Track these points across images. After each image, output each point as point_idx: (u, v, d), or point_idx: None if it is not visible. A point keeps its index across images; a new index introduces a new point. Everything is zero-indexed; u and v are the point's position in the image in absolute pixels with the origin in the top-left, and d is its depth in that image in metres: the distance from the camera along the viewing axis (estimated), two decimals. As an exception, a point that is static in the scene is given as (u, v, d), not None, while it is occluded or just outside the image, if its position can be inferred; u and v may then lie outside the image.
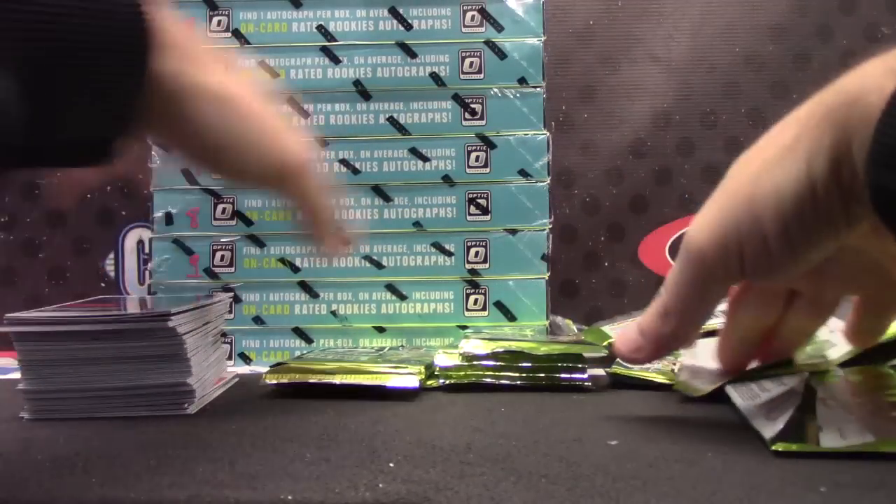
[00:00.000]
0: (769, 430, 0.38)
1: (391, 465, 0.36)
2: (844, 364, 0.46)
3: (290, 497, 0.32)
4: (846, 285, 0.41)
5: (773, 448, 0.37)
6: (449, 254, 0.67)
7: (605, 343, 0.63)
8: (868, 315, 0.42)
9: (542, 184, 0.67)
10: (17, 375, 0.47)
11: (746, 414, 0.41)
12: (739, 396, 0.44)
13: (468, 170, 0.67)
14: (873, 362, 0.47)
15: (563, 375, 0.54)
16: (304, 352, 0.66)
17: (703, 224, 0.37)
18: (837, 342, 0.47)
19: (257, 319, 0.67)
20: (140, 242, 0.79)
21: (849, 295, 0.42)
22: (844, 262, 0.38)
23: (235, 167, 0.41)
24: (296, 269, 0.67)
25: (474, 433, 0.42)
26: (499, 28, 0.67)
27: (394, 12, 0.67)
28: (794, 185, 0.33)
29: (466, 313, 0.67)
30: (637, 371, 0.54)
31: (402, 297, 0.67)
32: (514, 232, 0.67)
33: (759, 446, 0.38)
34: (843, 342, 0.45)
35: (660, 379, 0.53)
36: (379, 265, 0.67)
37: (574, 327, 0.69)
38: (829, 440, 0.37)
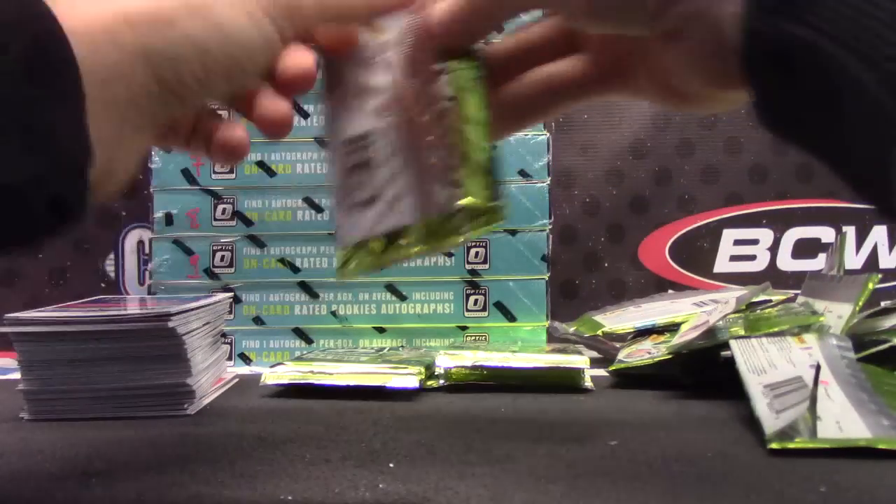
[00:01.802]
0: (770, 425, 0.38)
1: (391, 465, 0.36)
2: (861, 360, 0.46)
3: (290, 497, 0.32)
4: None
5: (770, 447, 0.37)
6: (449, 254, 0.67)
7: (598, 332, 0.64)
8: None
9: (542, 184, 0.67)
10: (17, 375, 0.47)
11: (751, 394, 0.41)
12: (745, 363, 0.44)
13: (468, 170, 0.67)
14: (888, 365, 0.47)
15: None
16: (304, 352, 0.66)
17: None
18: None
19: (257, 320, 0.67)
20: (140, 243, 0.79)
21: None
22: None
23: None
24: (296, 270, 0.67)
25: (474, 433, 0.42)
26: (499, 28, 0.67)
27: (394, 13, 0.67)
28: None
29: (466, 314, 0.67)
30: (636, 361, 0.54)
31: (402, 298, 0.67)
32: (514, 232, 0.67)
33: (758, 446, 0.38)
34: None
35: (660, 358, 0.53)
36: (379, 265, 0.67)
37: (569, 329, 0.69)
38: (827, 432, 0.37)
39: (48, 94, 0.25)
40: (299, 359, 0.57)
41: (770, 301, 0.61)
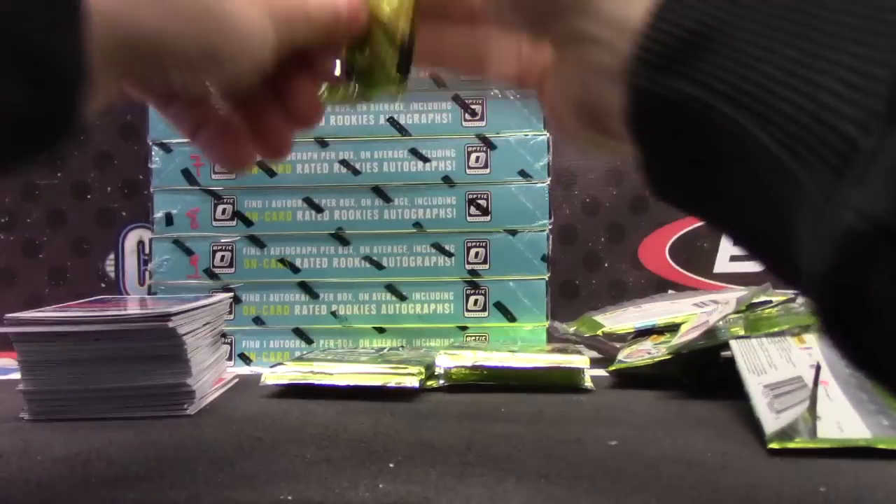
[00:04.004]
0: (770, 425, 0.38)
1: (391, 465, 0.36)
2: None
3: (290, 497, 0.32)
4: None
5: (770, 447, 0.37)
6: (449, 254, 0.67)
7: (598, 332, 0.63)
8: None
9: (542, 184, 0.67)
10: (17, 376, 0.47)
11: (751, 394, 0.41)
12: (745, 363, 0.43)
13: (468, 171, 0.67)
14: None
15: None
16: (304, 352, 0.66)
17: None
18: None
19: (257, 320, 0.67)
20: (140, 243, 0.79)
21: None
22: None
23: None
24: (296, 270, 0.67)
25: (474, 433, 0.42)
26: None
27: (394, 13, 0.67)
28: None
29: (466, 314, 0.67)
30: (636, 361, 0.54)
31: (403, 298, 0.67)
32: (514, 233, 0.67)
33: (758, 446, 0.38)
34: None
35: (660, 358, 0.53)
36: (379, 265, 0.67)
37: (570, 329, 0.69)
38: (827, 432, 0.37)
39: (53, 18, 0.25)
40: (299, 359, 0.57)
41: (770, 301, 0.61)
